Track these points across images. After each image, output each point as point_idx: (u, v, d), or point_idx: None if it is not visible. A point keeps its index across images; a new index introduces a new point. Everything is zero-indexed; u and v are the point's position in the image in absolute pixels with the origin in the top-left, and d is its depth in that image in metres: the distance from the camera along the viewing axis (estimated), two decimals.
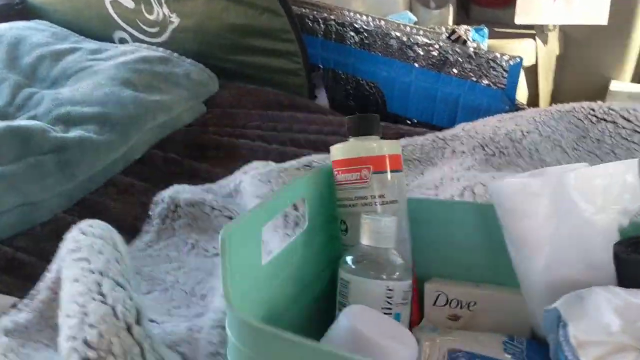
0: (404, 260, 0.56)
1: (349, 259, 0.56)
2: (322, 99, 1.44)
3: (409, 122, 1.36)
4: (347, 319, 0.50)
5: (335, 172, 0.60)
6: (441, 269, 0.64)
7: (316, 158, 0.93)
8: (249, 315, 0.43)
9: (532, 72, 1.40)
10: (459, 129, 1.06)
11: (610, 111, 1.04)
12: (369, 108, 1.42)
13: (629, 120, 1.03)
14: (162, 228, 0.86)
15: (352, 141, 0.61)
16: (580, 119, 1.05)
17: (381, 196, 0.59)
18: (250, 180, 0.84)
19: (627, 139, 1.02)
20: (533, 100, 1.46)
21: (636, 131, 1.02)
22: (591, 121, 1.04)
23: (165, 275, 0.77)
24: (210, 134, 1.20)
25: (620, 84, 1.43)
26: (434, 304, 0.63)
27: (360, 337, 0.49)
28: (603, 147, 1.03)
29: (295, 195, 0.57)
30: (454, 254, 0.64)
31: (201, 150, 1.16)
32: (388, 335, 0.50)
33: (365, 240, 0.55)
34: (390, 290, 0.54)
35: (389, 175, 0.60)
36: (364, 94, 1.42)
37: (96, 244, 0.60)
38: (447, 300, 0.63)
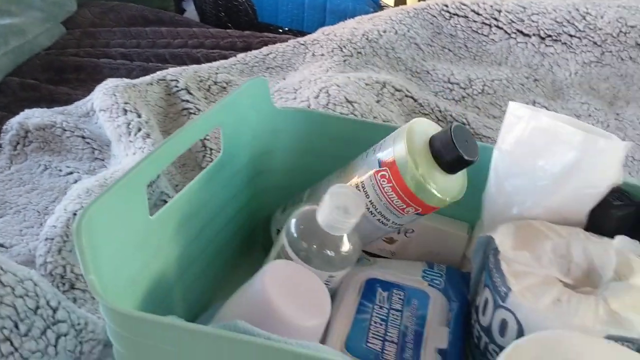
0: (352, 245, 0.53)
1: (297, 227, 0.52)
2: (191, 13, 1.41)
3: (280, 30, 1.36)
4: (261, 282, 0.49)
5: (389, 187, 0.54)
6: None
7: (171, 72, 0.92)
8: (119, 300, 0.43)
9: None
10: (319, 33, 1.07)
11: (462, 6, 1.07)
12: (240, 20, 1.40)
13: (478, 14, 1.06)
14: (13, 154, 0.84)
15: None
16: (434, 16, 1.08)
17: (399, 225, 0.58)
18: (97, 95, 0.83)
19: (477, 32, 1.06)
20: (402, 2, 1.48)
21: (485, 24, 1.06)
22: (444, 17, 1.07)
23: (18, 198, 0.76)
24: (70, 55, 1.16)
25: None
26: None
27: (267, 304, 0.48)
28: (456, 41, 1.07)
29: (181, 145, 0.52)
30: None
31: (61, 73, 1.12)
32: (302, 298, 0.49)
33: (321, 221, 0.51)
34: (331, 276, 0.54)
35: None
36: (234, 4, 1.39)
37: None
38: None
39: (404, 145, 0.53)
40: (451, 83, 0.98)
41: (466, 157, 0.52)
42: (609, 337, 0.46)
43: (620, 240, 0.52)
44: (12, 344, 0.44)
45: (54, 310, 0.47)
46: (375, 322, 0.54)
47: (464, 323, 0.56)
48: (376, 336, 0.52)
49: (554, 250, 0.52)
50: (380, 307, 0.56)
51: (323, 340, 0.52)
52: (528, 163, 0.56)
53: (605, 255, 0.51)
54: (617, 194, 0.55)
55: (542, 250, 0.52)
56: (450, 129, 0.52)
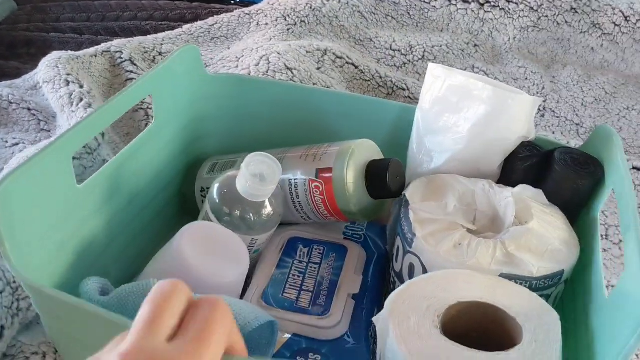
0: (273, 209, 0.57)
1: (220, 193, 0.55)
2: None
3: (232, 1, 1.37)
4: (178, 242, 0.51)
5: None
6: None
7: (116, 43, 0.93)
8: (35, 275, 0.44)
9: None
10: (265, 3, 1.09)
11: None
12: None
13: None
14: None
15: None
16: None
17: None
18: (41, 68, 0.84)
19: (421, 1, 1.09)
20: None
21: None
22: None
23: None
24: (20, 31, 1.16)
25: None
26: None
27: (182, 261, 0.50)
28: (399, 9, 1.10)
29: (120, 111, 0.55)
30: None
31: (11, 49, 1.12)
32: (219, 254, 0.52)
33: (239, 189, 0.54)
34: (254, 240, 0.57)
35: None
36: None
37: None
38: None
39: (344, 167, 0.57)
40: (393, 50, 1.01)
41: (392, 191, 0.58)
42: (502, 276, 0.50)
43: (522, 189, 0.56)
44: None
45: None
46: (294, 275, 0.58)
47: (381, 271, 0.60)
48: (293, 287, 0.56)
49: (460, 200, 0.56)
50: (300, 262, 0.60)
51: (242, 295, 0.55)
52: (444, 119, 0.59)
53: (506, 203, 0.55)
54: (528, 146, 0.59)
55: (449, 200, 0.56)
56: (389, 163, 0.57)
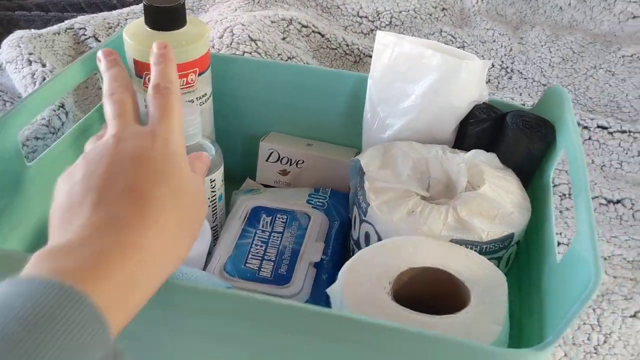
0: (215, 144, 0.58)
1: None
2: None
3: None
4: None
5: (149, 75, 0.55)
6: (277, 127, 0.70)
7: (79, 20, 0.93)
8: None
9: None
10: None
11: None
12: None
13: None
14: None
15: (166, 37, 0.55)
16: None
17: (204, 95, 0.60)
18: (4, 47, 0.84)
19: None
20: None
21: None
22: None
23: None
24: None
25: None
26: (267, 160, 0.69)
27: None
28: None
29: (65, 87, 0.55)
30: (288, 116, 0.68)
31: None
32: None
33: None
34: (213, 181, 0.58)
35: (209, 71, 0.59)
36: None
37: None
38: (279, 157, 0.69)
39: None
40: (360, 17, 1.01)
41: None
42: (453, 241, 0.51)
43: (474, 153, 0.57)
44: None
45: None
46: (256, 245, 0.59)
47: (343, 238, 0.62)
48: (255, 257, 0.57)
49: (414, 168, 0.57)
50: (263, 232, 0.61)
51: (205, 267, 0.57)
52: (395, 88, 0.60)
53: (459, 169, 0.56)
54: (483, 109, 0.60)
55: (403, 168, 0.57)
56: None
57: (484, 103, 0.60)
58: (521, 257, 0.58)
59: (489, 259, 0.50)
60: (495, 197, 0.54)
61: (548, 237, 0.52)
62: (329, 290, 0.47)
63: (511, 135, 0.57)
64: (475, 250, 0.51)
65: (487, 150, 0.58)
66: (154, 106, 0.41)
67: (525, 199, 0.55)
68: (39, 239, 0.52)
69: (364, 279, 0.46)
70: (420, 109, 0.59)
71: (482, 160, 0.57)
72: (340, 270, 0.48)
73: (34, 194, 0.52)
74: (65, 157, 0.56)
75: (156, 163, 0.37)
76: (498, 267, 0.52)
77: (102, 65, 0.46)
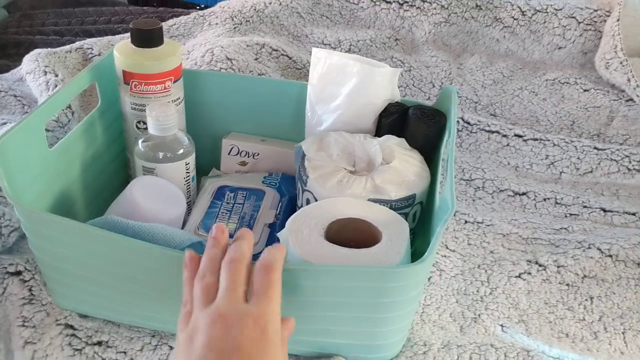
0: (187, 136, 0.72)
1: (145, 148, 0.69)
2: None
3: (197, 7, 1.53)
4: (128, 189, 0.67)
5: (134, 82, 0.70)
6: (237, 127, 0.84)
7: (88, 41, 1.09)
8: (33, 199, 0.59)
9: None
10: (217, 6, 1.25)
11: None
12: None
13: None
14: None
15: (147, 53, 0.70)
16: None
17: (178, 98, 0.74)
18: (25, 62, 1.00)
19: (349, 1, 1.25)
20: None
21: None
22: None
23: None
24: (11, 34, 1.32)
25: None
26: (229, 154, 0.83)
27: (134, 204, 0.65)
28: (332, 10, 1.25)
29: (72, 93, 0.69)
30: (248, 119, 0.82)
31: (2, 49, 1.28)
32: (161, 199, 0.67)
33: (156, 131, 0.68)
34: (187, 164, 0.72)
35: (181, 80, 0.74)
36: None
37: None
38: (239, 151, 0.83)
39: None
40: (324, 44, 1.16)
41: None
42: (370, 200, 0.65)
43: (386, 138, 0.72)
44: None
45: None
46: (222, 213, 0.73)
47: (291, 207, 0.76)
48: (222, 220, 0.71)
49: (343, 150, 0.72)
50: (227, 203, 0.75)
51: (183, 227, 0.71)
52: (328, 91, 0.75)
53: (375, 150, 0.71)
54: (395, 106, 0.75)
55: (334, 151, 0.71)
56: None
57: (396, 102, 0.75)
58: (423, 214, 0.72)
59: (399, 214, 0.64)
60: (402, 169, 0.68)
61: (435, 194, 0.67)
62: (279, 234, 0.61)
63: (412, 123, 0.72)
64: (387, 207, 0.65)
65: (398, 136, 0.73)
66: (259, 281, 0.47)
67: (425, 170, 0.70)
68: (57, 202, 0.67)
69: (305, 226, 0.60)
70: (346, 106, 0.74)
71: (393, 142, 0.71)
72: (288, 221, 0.62)
73: (53, 170, 0.66)
74: (75, 146, 0.70)
75: (255, 352, 0.44)
76: (406, 220, 0.66)
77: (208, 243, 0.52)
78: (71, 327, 0.64)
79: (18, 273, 0.67)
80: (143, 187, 0.67)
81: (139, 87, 0.71)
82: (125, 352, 0.62)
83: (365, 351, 0.59)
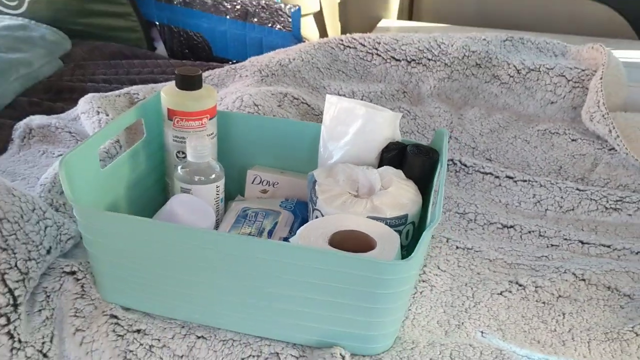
0: (218, 164, 0.85)
1: (184, 172, 0.82)
2: (161, 50, 1.74)
3: (230, 62, 1.68)
4: (169, 204, 0.80)
5: (177, 119, 0.84)
6: (260, 161, 0.96)
7: (133, 88, 1.24)
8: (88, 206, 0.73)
9: (319, 18, 1.75)
10: (247, 61, 1.40)
11: (353, 40, 1.40)
12: (200, 54, 1.73)
13: (364, 46, 1.39)
14: (21, 145, 1.15)
15: (189, 95, 0.84)
16: (332, 47, 1.40)
17: (211, 134, 0.88)
18: (80, 104, 1.15)
19: (363, 59, 1.39)
20: (325, 35, 1.81)
21: (369, 53, 1.39)
22: (340, 48, 1.40)
23: (24, 171, 1.06)
24: (65, 82, 1.48)
25: (388, 21, 1.81)
26: (252, 183, 0.95)
27: (173, 215, 0.79)
28: (348, 66, 1.39)
29: (123, 124, 0.84)
30: (269, 153, 0.95)
31: (58, 94, 1.43)
32: (195, 213, 0.80)
33: (193, 158, 0.81)
34: (218, 187, 0.85)
35: (215, 118, 0.88)
36: (194, 43, 1.72)
37: None
38: (261, 181, 0.96)
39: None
40: (339, 94, 1.30)
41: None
42: (369, 217, 0.77)
43: (384, 169, 0.84)
44: (19, 225, 0.75)
45: (44, 212, 0.78)
46: (245, 227, 0.85)
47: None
48: (244, 233, 0.83)
49: (348, 178, 0.84)
50: (249, 220, 0.87)
51: None
52: (337, 130, 0.87)
53: (376, 178, 0.83)
54: (395, 144, 0.87)
55: (340, 178, 0.83)
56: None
57: (397, 141, 0.87)
58: (415, 232, 0.83)
59: (394, 230, 0.76)
60: (397, 194, 0.80)
61: (427, 215, 0.78)
62: (290, 239, 0.73)
63: (409, 158, 0.84)
64: (382, 223, 0.76)
65: (395, 168, 0.85)
66: None
67: (417, 196, 0.81)
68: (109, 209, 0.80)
69: (312, 235, 0.72)
70: (353, 143, 0.86)
71: (391, 172, 0.83)
72: (298, 230, 0.73)
73: (103, 187, 0.79)
74: (122, 169, 0.84)
75: None
76: (400, 237, 0.77)
77: None
78: (115, 317, 0.75)
79: (73, 273, 0.79)
80: (181, 202, 0.79)
81: (180, 123, 0.84)
82: (159, 339, 0.73)
83: (360, 341, 0.69)
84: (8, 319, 0.71)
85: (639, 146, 1.17)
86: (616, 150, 1.18)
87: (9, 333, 0.71)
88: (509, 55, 1.36)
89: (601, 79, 1.22)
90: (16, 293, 0.72)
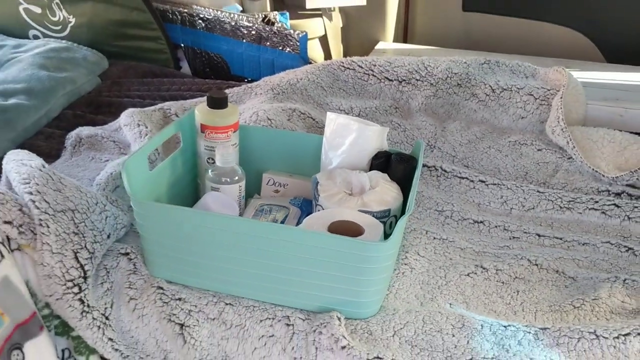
0: (240, 168, 1.02)
1: (213, 175, 0.99)
2: (186, 69, 1.92)
3: (245, 80, 1.86)
4: (203, 199, 0.97)
5: (208, 132, 1.01)
6: (273, 166, 1.13)
7: (166, 105, 1.42)
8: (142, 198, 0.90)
9: (324, 41, 1.92)
10: (262, 81, 1.57)
11: (352, 63, 1.57)
12: (219, 73, 1.91)
13: (361, 67, 1.56)
14: (73, 151, 1.33)
15: (217, 113, 1.01)
16: (334, 69, 1.57)
17: (234, 144, 1.05)
18: (122, 117, 1.33)
19: (361, 79, 1.56)
20: (329, 57, 1.99)
21: (366, 73, 1.56)
22: (341, 70, 1.57)
23: (77, 174, 1.24)
24: (104, 97, 1.66)
25: (385, 44, 1.98)
26: (267, 184, 1.12)
27: (207, 207, 0.95)
28: (347, 85, 1.57)
29: (165, 136, 1.01)
30: (280, 160, 1.12)
31: (98, 108, 1.61)
32: (224, 207, 0.96)
33: (221, 163, 0.99)
34: (240, 186, 1.01)
35: (237, 131, 1.04)
36: (214, 63, 1.90)
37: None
38: (274, 182, 1.13)
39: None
40: (340, 109, 1.47)
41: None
42: (359, 211, 0.94)
43: (373, 173, 1.01)
44: (87, 215, 0.93)
45: (104, 205, 0.96)
46: (262, 219, 1.03)
47: None
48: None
49: (344, 180, 1.01)
50: (265, 214, 1.04)
51: None
52: (336, 142, 1.05)
53: (365, 180, 1.00)
54: (384, 152, 1.04)
55: (337, 180, 1.00)
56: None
57: (384, 150, 1.05)
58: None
59: (380, 221, 0.93)
60: (382, 193, 0.97)
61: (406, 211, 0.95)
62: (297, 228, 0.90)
63: (393, 164, 1.01)
64: (370, 215, 0.94)
65: (382, 172, 1.02)
66: None
67: (399, 195, 0.98)
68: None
69: (315, 224, 0.89)
70: (348, 152, 1.04)
71: (378, 176, 1.01)
72: (303, 220, 0.91)
73: (150, 185, 0.96)
74: (163, 172, 1.01)
75: None
76: (384, 226, 0.94)
77: None
78: (161, 288, 0.93)
79: (127, 254, 0.97)
80: (213, 198, 0.97)
81: (210, 135, 1.02)
82: (195, 305, 0.91)
83: (352, 307, 0.87)
84: (80, 288, 0.89)
85: (593, 155, 1.34)
86: (573, 159, 1.34)
87: (80, 299, 0.89)
88: (485, 77, 1.53)
89: (561, 98, 1.39)
90: (86, 268, 0.90)
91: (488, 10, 1.99)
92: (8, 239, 0.89)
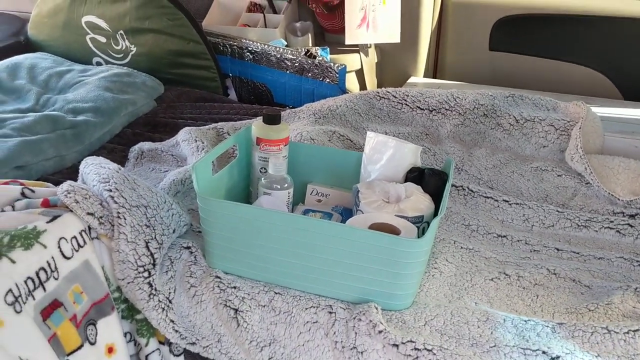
0: (289, 177, 1.13)
1: (266, 182, 1.09)
2: (233, 96, 2.06)
3: (288, 107, 1.98)
4: (258, 201, 1.08)
5: (262, 144, 1.12)
6: (316, 178, 1.24)
7: (219, 124, 1.54)
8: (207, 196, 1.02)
9: (360, 75, 2.05)
10: (304, 107, 1.69)
11: (387, 93, 1.69)
12: (263, 100, 2.04)
13: (395, 97, 1.67)
14: (135, 163, 1.46)
15: (272, 128, 1.13)
16: (371, 98, 1.69)
17: (285, 156, 1.16)
18: (180, 134, 1.45)
19: (394, 108, 1.67)
20: (364, 88, 2.11)
21: (399, 102, 1.67)
22: (376, 99, 1.68)
23: None
24: (160, 118, 1.79)
25: (416, 78, 2.10)
26: (311, 194, 1.23)
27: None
28: (382, 112, 1.68)
29: (226, 146, 1.12)
30: (323, 173, 1.23)
31: (155, 127, 1.74)
32: (276, 206, 1.08)
33: (273, 172, 1.10)
34: (289, 193, 1.12)
35: (288, 145, 1.16)
36: (259, 91, 2.03)
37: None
38: (317, 192, 1.24)
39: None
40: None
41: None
42: (397, 216, 1.04)
43: (408, 185, 1.11)
44: (157, 211, 1.04)
45: (171, 204, 1.08)
46: None
47: None
48: None
49: (382, 190, 1.11)
50: (309, 215, 1.15)
51: None
52: (374, 157, 1.15)
53: (402, 190, 1.10)
54: (417, 168, 1.15)
55: (376, 190, 1.11)
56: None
57: (418, 166, 1.15)
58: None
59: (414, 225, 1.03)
60: (417, 202, 1.07)
61: (436, 216, 1.05)
62: None
63: (427, 179, 1.11)
64: (405, 219, 1.04)
65: (416, 184, 1.12)
66: None
67: (431, 204, 1.08)
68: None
69: (356, 224, 0.99)
70: (386, 167, 1.14)
71: (413, 187, 1.11)
72: (347, 221, 1.01)
73: (212, 188, 1.07)
74: (222, 179, 1.12)
75: None
76: (418, 231, 1.04)
77: None
78: (218, 277, 1.03)
79: (188, 247, 1.07)
80: (266, 201, 1.08)
81: (265, 147, 1.14)
82: (248, 294, 1.01)
83: (388, 298, 0.96)
84: (149, 273, 0.99)
85: (609, 181, 1.42)
86: (591, 184, 1.43)
87: (149, 283, 0.99)
88: (510, 108, 1.63)
89: (580, 128, 1.48)
90: (155, 256, 1.01)
91: (513, 50, 2.10)
92: (89, 228, 1.01)
